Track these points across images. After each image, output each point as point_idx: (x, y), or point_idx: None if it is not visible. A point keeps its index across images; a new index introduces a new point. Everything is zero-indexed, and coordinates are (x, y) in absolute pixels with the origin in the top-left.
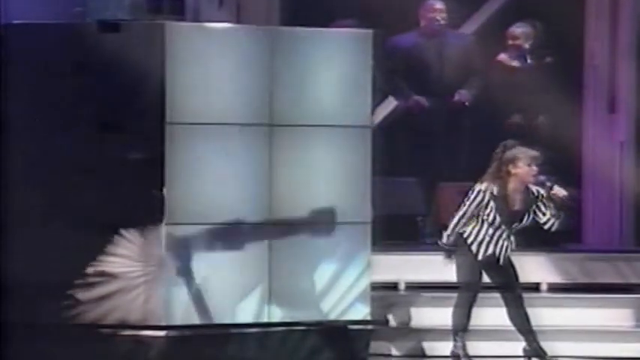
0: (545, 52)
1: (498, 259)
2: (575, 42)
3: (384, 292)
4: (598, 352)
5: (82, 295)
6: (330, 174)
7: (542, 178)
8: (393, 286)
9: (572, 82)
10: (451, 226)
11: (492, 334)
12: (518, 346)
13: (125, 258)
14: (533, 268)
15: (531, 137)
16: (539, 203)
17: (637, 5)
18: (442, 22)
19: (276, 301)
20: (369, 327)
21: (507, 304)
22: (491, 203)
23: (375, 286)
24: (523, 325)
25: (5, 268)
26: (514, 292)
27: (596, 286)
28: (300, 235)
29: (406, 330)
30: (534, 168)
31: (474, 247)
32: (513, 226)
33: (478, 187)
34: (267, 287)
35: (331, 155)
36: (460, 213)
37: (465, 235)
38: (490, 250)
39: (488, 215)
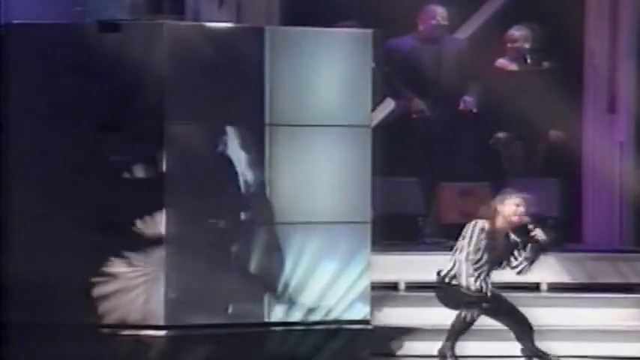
0: (544, 53)
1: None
2: (575, 42)
3: (384, 292)
4: (598, 352)
5: (82, 295)
6: (330, 174)
7: (526, 219)
8: (393, 286)
9: (571, 82)
10: (470, 272)
11: (491, 334)
12: (517, 346)
13: (125, 258)
14: (533, 267)
15: (531, 138)
16: (514, 250)
17: (637, 5)
18: (442, 26)
19: (276, 301)
20: (369, 327)
21: (503, 321)
22: (483, 240)
23: (375, 286)
24: (521, 330)
25: (5, 268)
26: (505, 304)
27: (596, 286)
28: (300, 234)
29: (406, 330)
30: (521, 209)
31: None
32: (494, 268)
33: (473, 223)
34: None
35: (331, 155)
36: (464, 254)
37: (442, 274)
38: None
39: (476, 253)
